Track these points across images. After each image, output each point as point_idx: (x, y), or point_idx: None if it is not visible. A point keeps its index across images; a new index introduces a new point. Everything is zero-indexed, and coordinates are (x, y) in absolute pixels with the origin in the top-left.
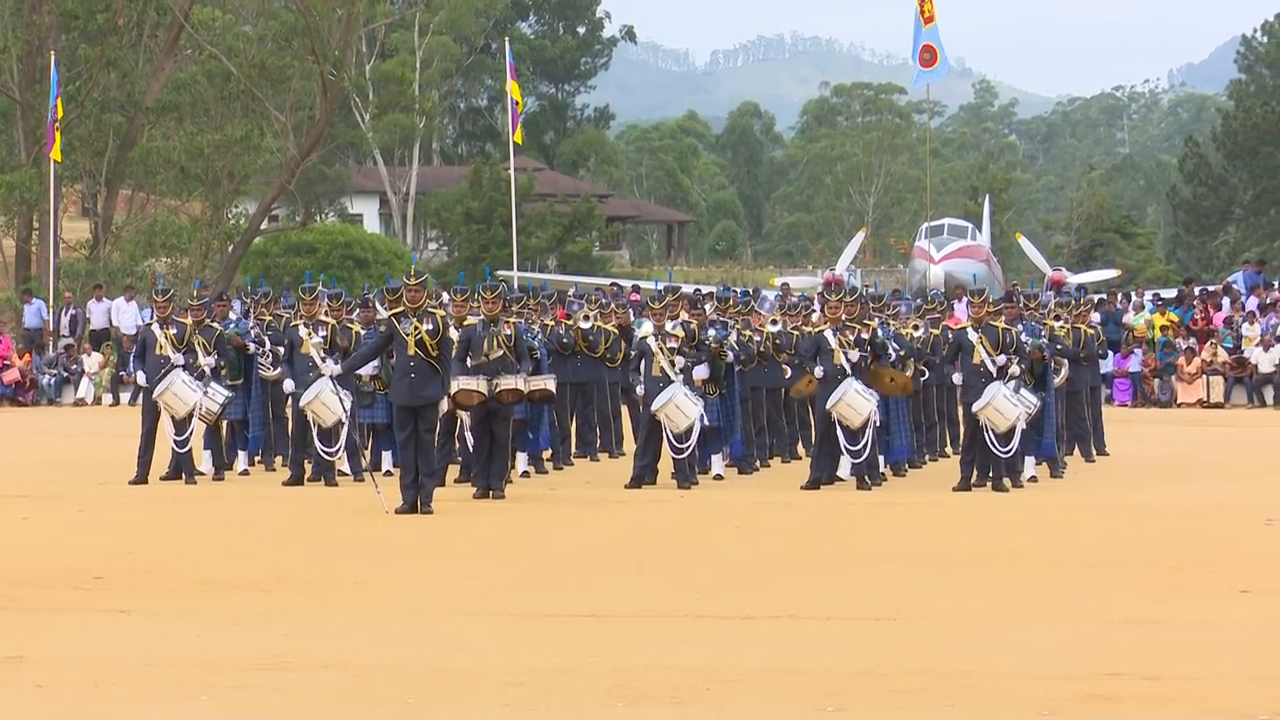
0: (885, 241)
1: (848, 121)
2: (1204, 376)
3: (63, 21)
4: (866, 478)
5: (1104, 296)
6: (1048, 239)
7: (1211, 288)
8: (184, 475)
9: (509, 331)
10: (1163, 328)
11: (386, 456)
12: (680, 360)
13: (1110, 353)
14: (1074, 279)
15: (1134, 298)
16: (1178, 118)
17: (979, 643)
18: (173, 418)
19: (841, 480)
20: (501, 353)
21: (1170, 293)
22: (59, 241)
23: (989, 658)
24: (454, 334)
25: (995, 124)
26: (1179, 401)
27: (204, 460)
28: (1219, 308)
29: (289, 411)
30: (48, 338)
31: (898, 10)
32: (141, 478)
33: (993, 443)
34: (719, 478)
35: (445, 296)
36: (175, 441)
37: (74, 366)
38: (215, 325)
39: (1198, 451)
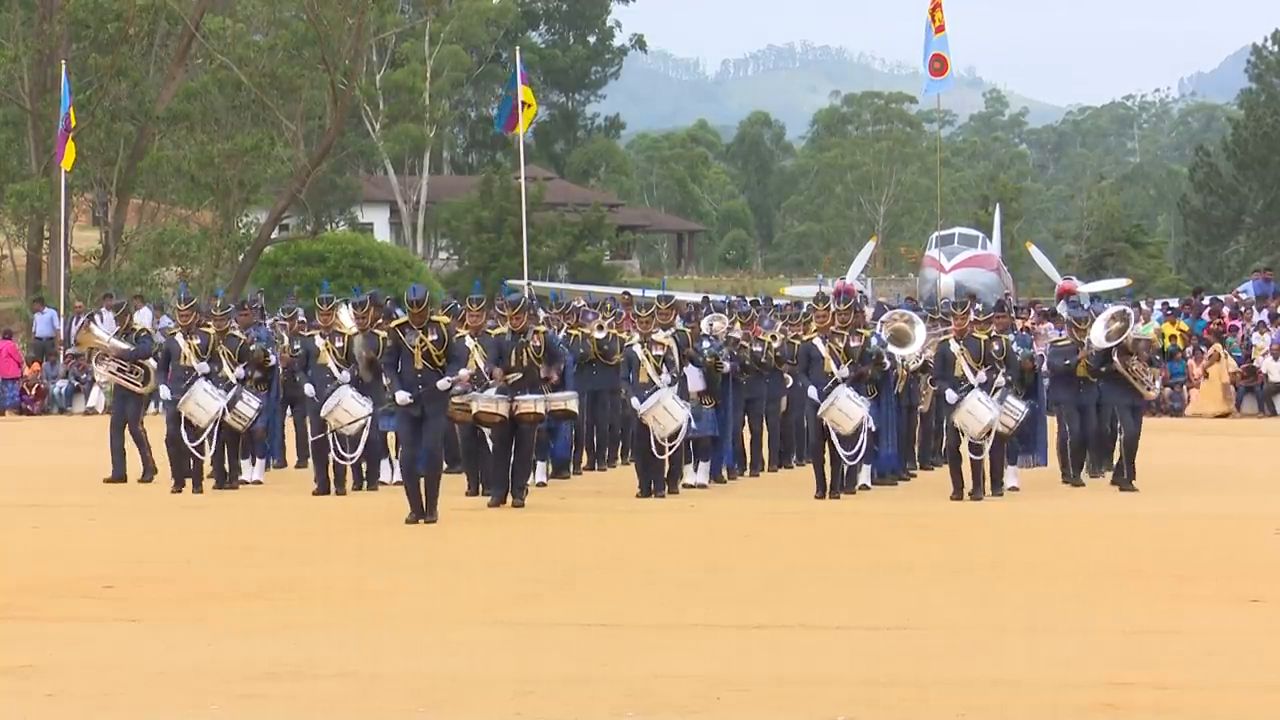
0: (896, 250)
1: (858, 131)
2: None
3: (73, 31)
4: (845, 485)
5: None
6: (1058, 248)
7: (1221, 297)
8: (193, 481)
9: (538, 343)
10: (1172, 337)
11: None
12: (666, 373)
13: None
14: (1084, 288)
15: (1144, 306)
16: (1188, 127)
17: (989, 652)
18: (194, 426)
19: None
20: (519, 375)
21: (1175, 302)
22: (69, 250)
23: (999, 667)
24: (469, 342)
25: (1005, 133)
26: (1189, 411)
27: (250, 470)
28: (1236, 314)
29: (310, 423)
30: (59, 347)
31: (908, 19)
32: (180, 484)
33: (967, 447)
34: (701, 486)
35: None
36: (200, 448)
37: (84, 375)
38: (239, 334)
39: (1208, 461)
